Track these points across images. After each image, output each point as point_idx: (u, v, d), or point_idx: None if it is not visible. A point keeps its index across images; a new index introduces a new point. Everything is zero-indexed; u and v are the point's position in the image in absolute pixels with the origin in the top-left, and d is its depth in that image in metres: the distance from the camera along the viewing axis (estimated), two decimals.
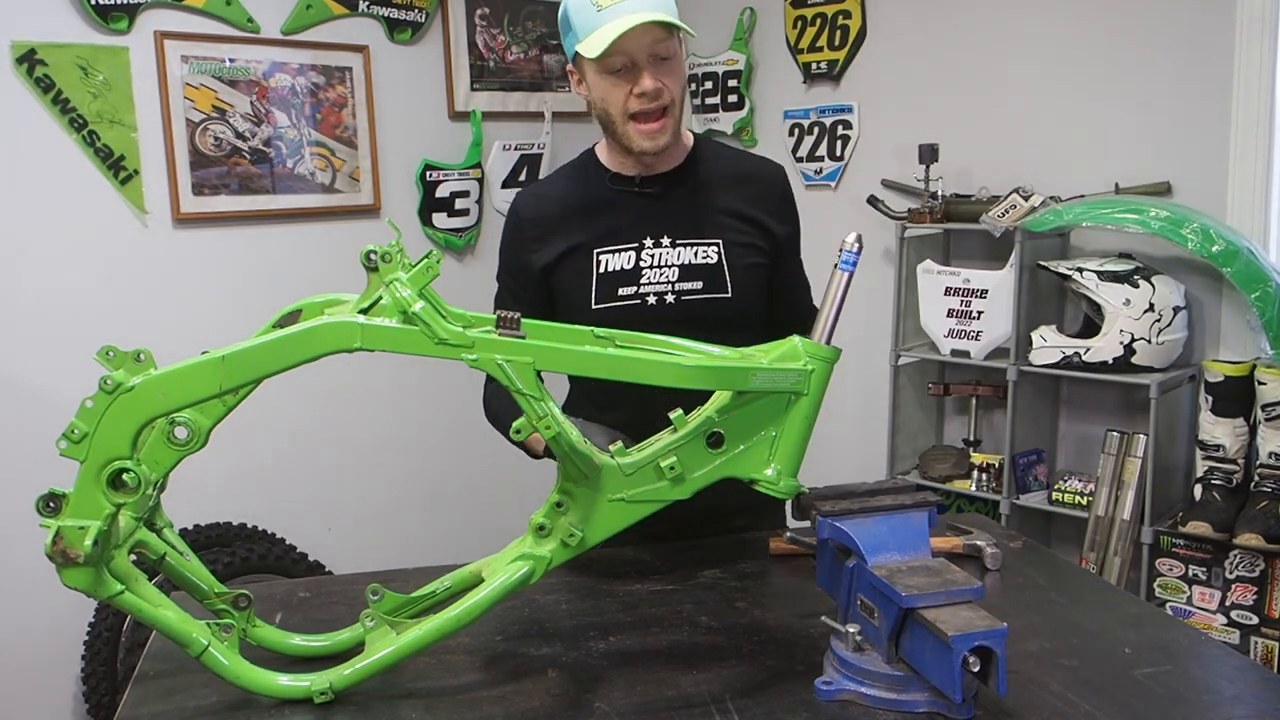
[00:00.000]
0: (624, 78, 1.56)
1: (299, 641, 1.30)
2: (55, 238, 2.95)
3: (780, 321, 1.67)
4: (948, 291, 3.03)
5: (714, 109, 3.85)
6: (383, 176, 3.56)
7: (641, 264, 1.66)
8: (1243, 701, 1.17)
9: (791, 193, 1.78)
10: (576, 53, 1.57)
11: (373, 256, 1.15)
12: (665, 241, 1.66)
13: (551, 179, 1.81)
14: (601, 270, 1.66)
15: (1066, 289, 2.89)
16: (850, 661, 1.17)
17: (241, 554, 3.09)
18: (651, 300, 1.65)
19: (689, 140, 1.73)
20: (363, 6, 3.47)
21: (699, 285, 1.65)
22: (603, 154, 1.73)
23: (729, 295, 1.66)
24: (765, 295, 1.72)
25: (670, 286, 1.65)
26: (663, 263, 1.66)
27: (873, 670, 1.15)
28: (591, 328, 1.27)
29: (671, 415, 1.21)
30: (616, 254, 1.66)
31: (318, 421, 3.48)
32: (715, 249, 1.66)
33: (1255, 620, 2.54)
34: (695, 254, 1.66)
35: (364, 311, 1.12)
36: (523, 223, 1.72)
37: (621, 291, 1.65)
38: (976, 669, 1.05)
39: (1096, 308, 2.74)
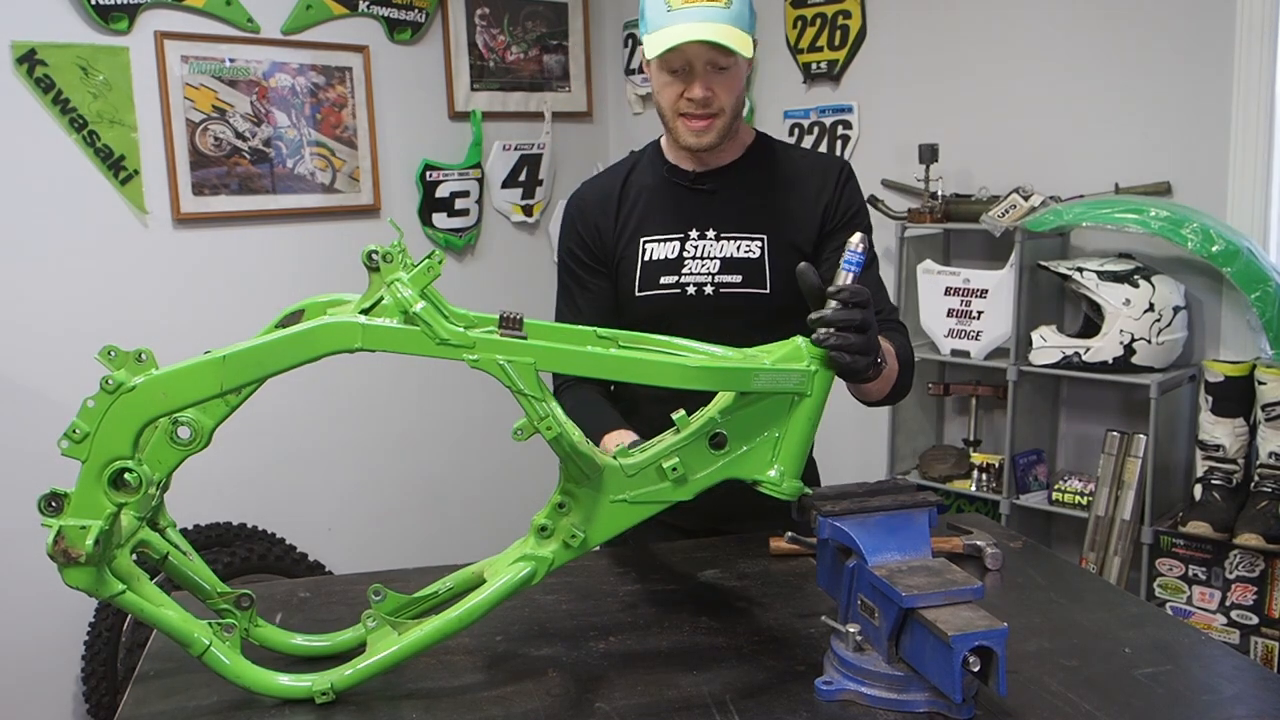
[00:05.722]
0: (679, 78, 1.60)
1: (300, 641, 1.30)
2: (55, 238, 2.96)
3: None
4: (948, 291, 3.03)
5: None
6: (383, 176, 3.56)
7: (685, 254, 1.69)
8: (1243, 701, 1.17)
9: (853, 189, 1.73)
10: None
11: (374, 256, 1.14)
12: (710, 234, 1.69)
13: (612, 169, 1.83)
14: (647, 258, 1.70)
15: (1066, 289, 2.89)
16: (850, 661, 1.17)
17: (242, 554, 3.10)
18: (691, 291, 1.68)
19: (748, 137, 1.75)
20: (363, 6, 3.47)
21: (738, 279, 1.67)
22: (665, 144, 1.76)
23: (767, 291, 1.67)
24: None
25: (710, 278, 1.67)
26: (705, 255, 1.69)
27: (873, 670, 1.15)
28: (594, 328, 1.27)
29: (674, 416, 1.21)
30: (662, 243, 1.70)
31: (318, 422, 3.48)
32: (759, 245, 1.68)
33: (1255, 620, 2.54)
34: (738, 248, 1.68)
35: (365, 311, 1.12)
36: (585, 209, 1.76)
37: (663, 280, 1.69)
38: (976, 669, 1.05)
39: (1096, 308, 2.74)
